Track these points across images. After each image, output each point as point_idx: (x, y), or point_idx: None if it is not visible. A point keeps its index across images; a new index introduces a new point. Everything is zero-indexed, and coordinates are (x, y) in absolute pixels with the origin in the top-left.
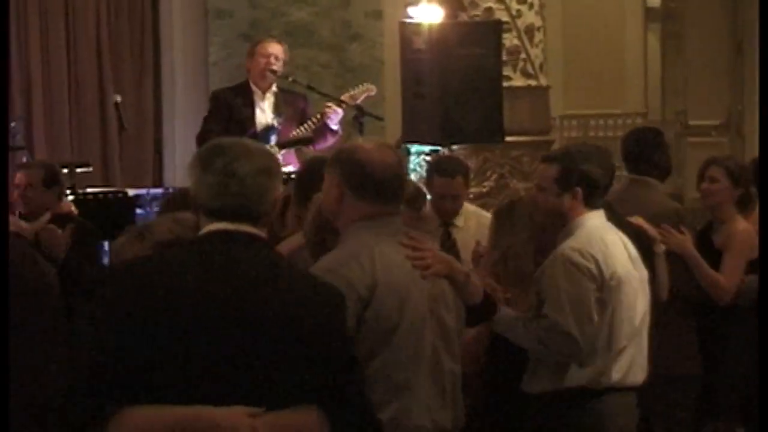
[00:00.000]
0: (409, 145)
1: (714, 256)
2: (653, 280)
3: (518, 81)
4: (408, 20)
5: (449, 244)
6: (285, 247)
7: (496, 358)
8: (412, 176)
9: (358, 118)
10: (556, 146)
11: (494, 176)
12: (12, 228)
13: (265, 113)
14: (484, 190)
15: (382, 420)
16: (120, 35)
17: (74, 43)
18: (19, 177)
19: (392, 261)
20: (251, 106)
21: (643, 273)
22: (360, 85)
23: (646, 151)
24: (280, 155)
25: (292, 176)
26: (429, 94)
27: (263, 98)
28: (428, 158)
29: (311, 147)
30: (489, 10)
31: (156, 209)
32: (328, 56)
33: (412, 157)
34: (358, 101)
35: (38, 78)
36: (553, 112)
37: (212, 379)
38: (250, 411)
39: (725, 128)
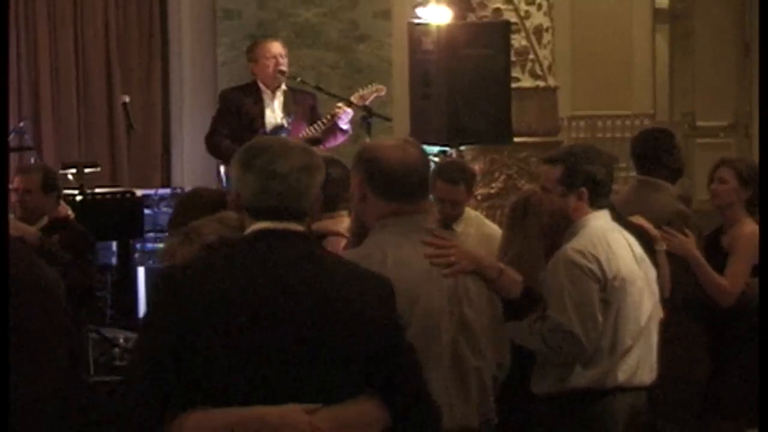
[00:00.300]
0: None
1: (722, 258)
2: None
3: (526, 82)
4: (416, 21)
5: None
6: None
7: None
8: None
9: (366, 118)
10: None
11: (502, 177)
12: (15, 232)
13: (275, 113)
14: (492, 191)
15: None
16: (128, 36)
17: (82, 43)
18: (17, 181)
19: (406, 260)
20: (260, 106)
21: (651, 272)
22: (369, 85)
23: (657, 152)
24: None
25: None
26: (437, 94)
27: (273, 97)
28: (436, 159)
29: (321, 147)
30: (497, 11)
31: (165, 208)
32: (336, 57)
33: None
34: (368, 102)
35: (47, 78)
36: (561, 113)
37: (269, 378)
38: (306, 408)
39: (733, 129)
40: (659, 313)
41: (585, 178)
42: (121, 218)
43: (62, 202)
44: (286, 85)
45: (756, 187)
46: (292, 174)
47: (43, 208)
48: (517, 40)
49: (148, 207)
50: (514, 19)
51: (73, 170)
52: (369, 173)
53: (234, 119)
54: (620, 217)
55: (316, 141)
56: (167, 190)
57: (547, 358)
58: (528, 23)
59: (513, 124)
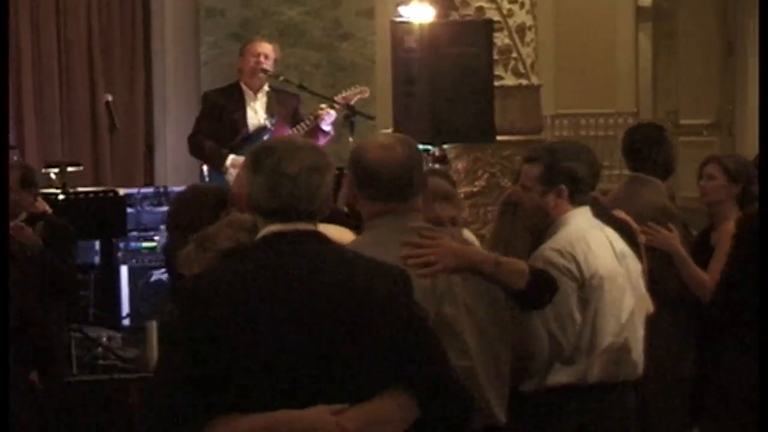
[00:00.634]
0: None
1: (709, 254)
2: None
3: (509, 80)
4: (399, 19)
5: None
6: None
7: None
8: None
9: (349, 117)
10: None
11: (485, 176)
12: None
13: (257, 114)
14: (475, 189)
15: None
16: (111, 34)
17: (65, 42)
18: None
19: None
20: (242, 108)
21: (634, 267)
22: (353, 87)
23: (646, 148)
24: None
25: None
26: (420, 93)
27: (255, 98)
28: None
29: None
30: (480, 9)
31: (148, 207)
32: (320, 55)
33: None
34: (351, 103)
35: (29, 77)
36: (544, 112)
37: (294, 381)
38: (333, 408)
39: (716, 128)
40: (647, 307)
41: (565, 176)
42: (104, 217)
43: (40, 199)
44: (270, 87)
45: (746, 182)
46: (301, 174)
47: (21, 203)
48: (500, 39)
49: (131, 206)
50: (496, 17)
51: (56, 169)
52: (356, 173)
53: (216, 121)
54: (603, 213)
55: None
56: (150, 189)
57: None
58: (511, 21)
59: (496, 123)
